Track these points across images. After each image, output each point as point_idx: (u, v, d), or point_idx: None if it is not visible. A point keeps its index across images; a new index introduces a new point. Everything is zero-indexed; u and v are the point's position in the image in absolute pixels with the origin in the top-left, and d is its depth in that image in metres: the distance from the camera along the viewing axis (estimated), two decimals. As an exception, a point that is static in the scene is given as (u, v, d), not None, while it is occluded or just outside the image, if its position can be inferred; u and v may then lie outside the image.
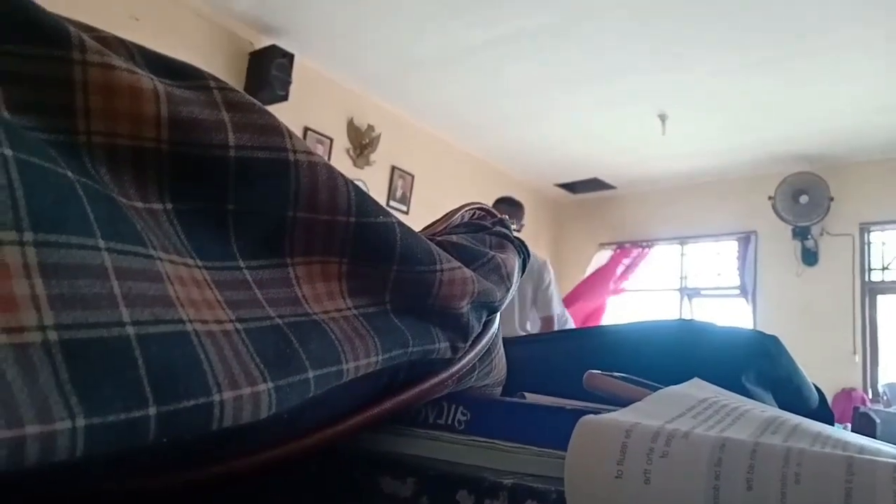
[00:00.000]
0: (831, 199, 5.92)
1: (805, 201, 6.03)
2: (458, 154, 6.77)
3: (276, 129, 0.26)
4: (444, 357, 0.32)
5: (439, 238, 0.36)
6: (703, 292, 7.26)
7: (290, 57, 4.94)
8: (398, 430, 0.34)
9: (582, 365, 0.60)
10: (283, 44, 4.95)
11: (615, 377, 0.38)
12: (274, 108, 5.01)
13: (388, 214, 0.29)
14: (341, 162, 5.65)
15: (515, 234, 0.44)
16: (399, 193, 6.15)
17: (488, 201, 6.89)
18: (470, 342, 0.34)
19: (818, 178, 6.00)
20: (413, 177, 6.25)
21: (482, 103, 5.84)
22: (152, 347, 0.19)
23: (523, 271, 0.41)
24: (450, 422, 0.34)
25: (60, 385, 0.17)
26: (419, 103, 5.96)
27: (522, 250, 0.40)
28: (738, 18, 4.20)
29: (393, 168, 6.09)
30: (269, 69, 4.88)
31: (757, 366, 0.52)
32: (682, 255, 7.36)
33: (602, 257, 7.69)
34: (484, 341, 0.35)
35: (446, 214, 0.43)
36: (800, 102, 5.18)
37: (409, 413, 0.34)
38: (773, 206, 6.16)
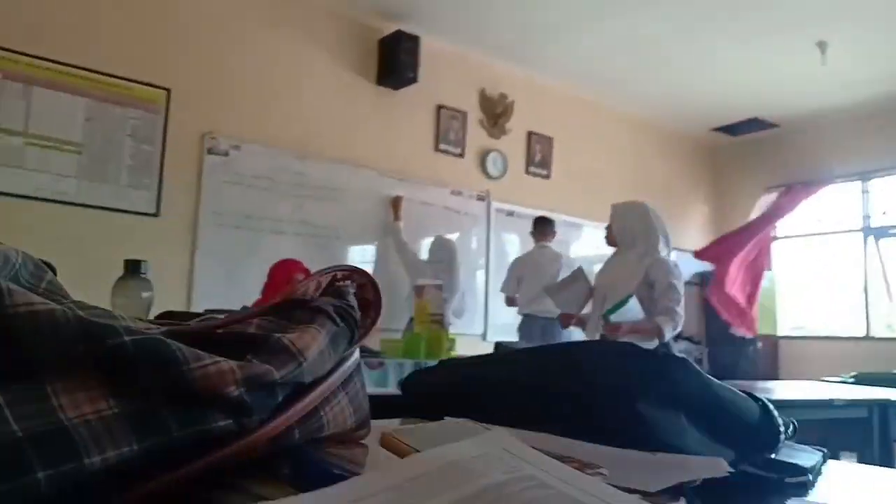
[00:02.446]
0: None
1: None
2: (599, 111, 6.56)
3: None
4: (231, 430, 0.38)
5: (222, 330, 0.41)
6: (891, 231, 6.52)
7: (415, 39, 5.06)
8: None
9: (496, 388, 0.62)
10: (409, 27, 5.07)
11: (402, 441, 0.40)
12: (405, 91, 5.17)
13: (132, 332, 0.35)
14: (476, 134, 5.70)
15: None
16: (538, 158, 6.11)
17: (635, 155, 6.62)
18: (266, 415, 0.39)
19: None
20: (552, 140, 6.17)
21: (621, 55, 5.60)
22: None
23: (352, 337, 0.45)
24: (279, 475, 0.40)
25: None
26: (552, 65, 5.85)
27: (344, 318, 0.44)
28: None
29: (529, 134, 6.05)
30: (398, 54, 5.04)
31: (656, 389, 0.52)
32: (863, 192, 6.62)
33: (768, 201, 7.13)
34: (290, 412, 0.40)
35: (301, 282, 0.48)
36: None
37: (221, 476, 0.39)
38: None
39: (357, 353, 0.49)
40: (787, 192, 6.94)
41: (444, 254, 4.60)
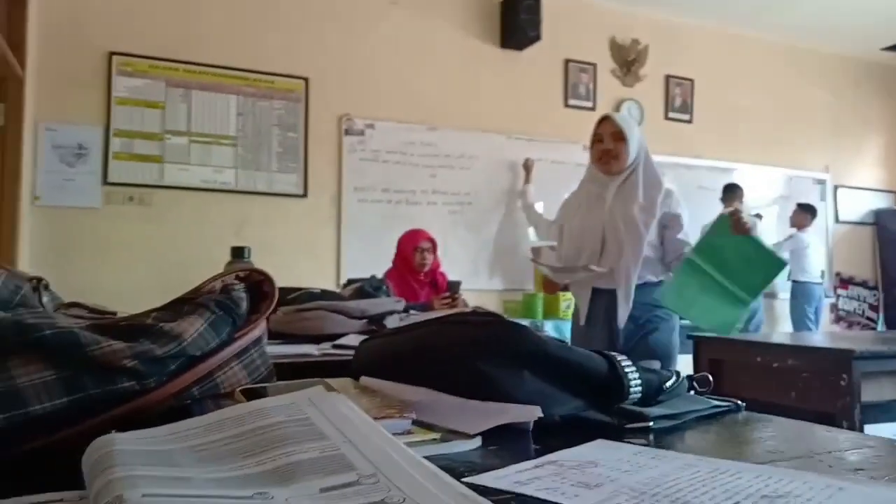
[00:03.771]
0: None
1: None
2: (745, 44, 6.11)
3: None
4: (134, 390, 0.56)
5: (125, 323, 0.59)
6: None
7: (536, -3, 5.04)
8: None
9: (402, 355, 0.76)
10: (529, -16, 5.05)
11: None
12: (530, 50, 5.19)
13: (54, 327, 0.53)
14: (608, 84, 5.58)
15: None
16: (678, 103, 5.85)
17: (792, 87, 6.09)
18: (164, 379, 0.57)
19: None
20: (692, 82, 5.87)
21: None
22: None
23: (234, 322, 0.61)
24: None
25: None
26: (688, 2, 5.55)
27: (223, 308, 0.60)
28: None
29: (667, 78, 5.80)
30: (519, 14, 5.06)
31: (495, 351, 0.64)
32: None
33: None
34: (185, 377, 0.58)
35: (200, 285, 0.64)
36: None
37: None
38: None
39: (256, 333, 0.65)
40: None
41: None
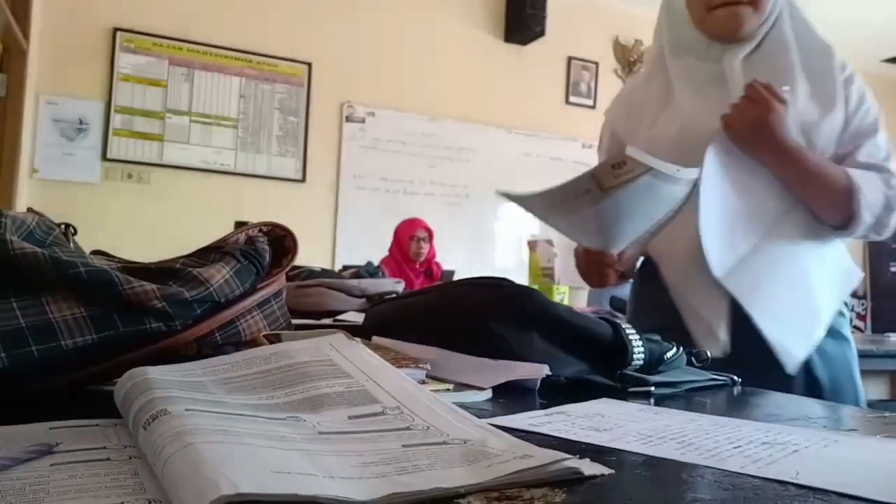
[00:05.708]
0: None
1: None
2: (747, 49, 6.15)
3: None
4: (161, 331, 0.58)
5: (156, 266, 0.61)
6: None
7: (543, -9, 5.06)
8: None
9: (414, 317, 0.78)
10: (535, -20, 5.07)
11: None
12: (533, 45, 5.21)
13: (88, 265, 0.55)
14: (610, 83, 5.60)
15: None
16: (677, 105, 5.88)
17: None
18: (189, 322, 0.59)
19: None
20: (693, 85, 5.91)
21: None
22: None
23: (258, 272, 0.63)
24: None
25: None
26: (691, 4, 5.58)
27: (248, 258, 0.62)
28: None
29: (668, 80, 5.83)
30: (525, 8, 5.08)
31: (507, 313, 0.66)
32: None
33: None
34: (209, 322, 0.60)
35: (225, 236, 0.66)
36: None
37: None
38: None
39: (277, 286, 0.68)
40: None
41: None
